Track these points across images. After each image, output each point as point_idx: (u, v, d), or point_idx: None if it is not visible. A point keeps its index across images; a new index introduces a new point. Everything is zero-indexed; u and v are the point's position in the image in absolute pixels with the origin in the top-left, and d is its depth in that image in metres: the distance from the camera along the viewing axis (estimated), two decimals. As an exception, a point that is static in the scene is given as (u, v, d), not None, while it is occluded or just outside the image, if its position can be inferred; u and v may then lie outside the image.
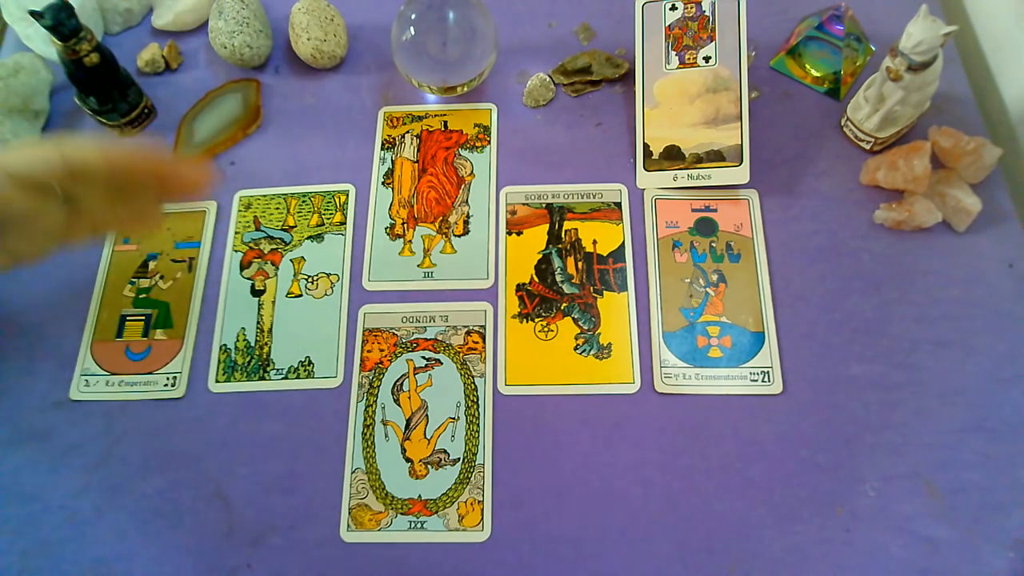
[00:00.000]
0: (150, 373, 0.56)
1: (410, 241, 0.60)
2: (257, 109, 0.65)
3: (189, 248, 0.60)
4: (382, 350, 0.56)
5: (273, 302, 0.58)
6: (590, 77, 0.65)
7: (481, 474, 0.52)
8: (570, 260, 0.58)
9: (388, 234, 0.60)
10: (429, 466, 0.52)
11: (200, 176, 0.46)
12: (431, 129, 0.64)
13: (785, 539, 0.49)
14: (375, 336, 0.56)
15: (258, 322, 0.57)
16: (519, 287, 0.58)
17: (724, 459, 0.51)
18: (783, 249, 0.58)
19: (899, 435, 0.51)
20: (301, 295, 0.58)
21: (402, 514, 0.51)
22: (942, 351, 0.54)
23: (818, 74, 0.64)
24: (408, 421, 0.54)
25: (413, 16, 0.60)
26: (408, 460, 0.53)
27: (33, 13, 0.54)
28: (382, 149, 0.64)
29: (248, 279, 0.59)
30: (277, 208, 0.62)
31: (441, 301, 0.57)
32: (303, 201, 0.62)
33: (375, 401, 0.54)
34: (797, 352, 0.54)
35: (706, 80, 0.59)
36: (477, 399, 0.54)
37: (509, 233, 0.60)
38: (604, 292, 0.57)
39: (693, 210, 0.59)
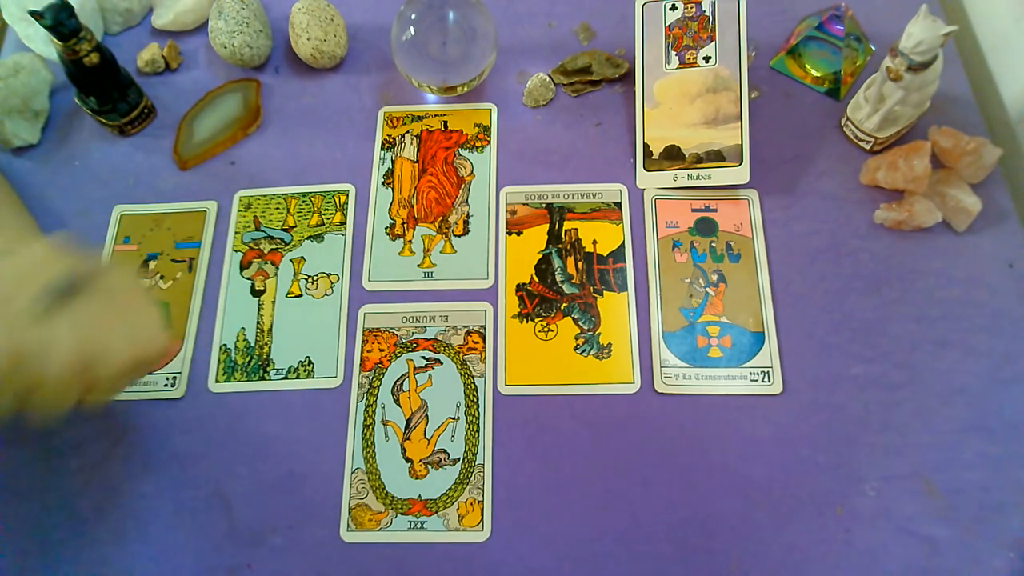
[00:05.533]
0: (150, 373, 0.56)
1: (410, 241, 0.60)
2: (257, 109, 0.65)
3: (189, 248, 0.60)
4: (382, 350, 0.56)
5: (273, 302, 0.58)
6: (590, 77, 0.65)
7: (481, 474, 0.52)
8: (570, 260, 0.58)
9: (388, 234, 0.60)
10: (429, 466, 0.52)
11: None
12: (431, 129, 0.64)
13: (785, 539, 0.49)
14: (375, 336, 0.56)
15: (258, 322, 0.57)
16: (519, 287, 0.58)
17: (724, 459, 0.51)
18: (783, 249, 0.58)
19: (899, 435, 0.51)
20: (301, 295, 0.58)
21: (402, 514, 0.51)
22: (942, 351, 0.54)
23: (818, 74, 0.64)
24: (408, 421, 0.54)
25: (413, 16, 0.60)
26: (408, 460, 0.53)
27: (33, 13, 0.54)
28: (382, 149, 0.64)
29: (248, 279, 0.59)
30: (277, 208, 0.62)
31: (441, 301, 0.57)
32: (303, 201, 0.62)
33: (375, 401, 0.54)
34: (797, 352, 0.54)
35: (706, 80, 0.59)
36: (477, 399, 0.54)
37: (509, 233, 0.60)
38: (604, 292, 0.57)
39: (693, 210, 0.59)
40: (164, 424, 0.54)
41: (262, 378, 0.55)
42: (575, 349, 0.55)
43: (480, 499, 0.51)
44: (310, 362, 0.56)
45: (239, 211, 0.62)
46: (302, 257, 0.60)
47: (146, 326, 0.43)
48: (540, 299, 0.57)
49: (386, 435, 0.53)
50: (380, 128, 0.65)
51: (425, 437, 0.53)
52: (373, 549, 0.50)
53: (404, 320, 0.57)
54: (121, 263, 0.45)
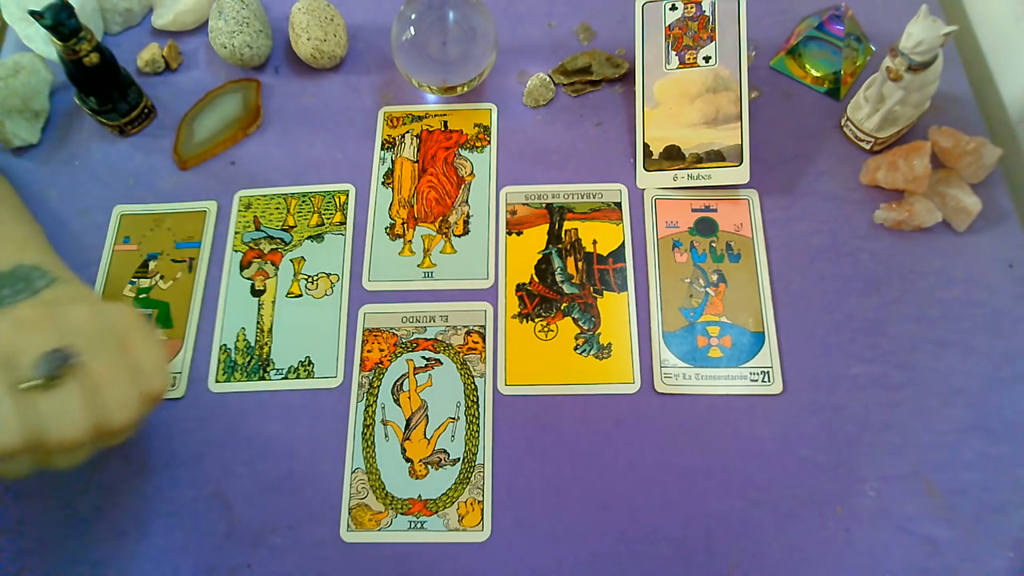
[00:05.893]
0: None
1: (410, 241, 0.60)
2: (257, 109, 0.65)
3: (189, 248, 0.60)
4: (382, 350, 0.56)
5: (273, 302, 0.58)
6: (590, 77, 0.65)
7: (481, 474, 0.52)
8: (570, 260, 0.58)
9: (388, 234, 0.60)
10: (429, 466, 0.52)
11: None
12: (431, 129, 0.64)
13: (785, 539, 0.49)
14: (375, 336, 0.56)
15: (258, 322, 0.57)
16: (519, 287, 0.58)
17: (724, 459, 0.51)
18: (783, 249, 0.58)
19: (899, 435, 0.51)
20: (301, 295, 0.58)
21: (402, 514, 0.51)
22: (942, 351, 0.54)
23: (818, 74, 0.64)
24: (408, 421, 0.54)
25: (413, 16, 0.60)
26: (408, 460, 0.53)
27: (33, 13, 0.54)
28: (382, 149, 0.64)
29: (248, 279, 0.59)
30: (277, 208, 0.62)
31: (441, 301, 0.57)
32: (303, 201, 0.62)
33: (375, 401, 0.54)
34: (797, 352, 0.54)
35: (706, 80, 0.59)
36: (477, 399, 0.54)
37: (509, 233, 0.60)
38: (604, 292, 0.57)
39: (693, 210, 0.59)
40: (164, 424, 0.54)
41: (262, 378, 0.55)
42: (575, 349, 0.55)
43: (480, 499, 0.51)
44: (310, 362, 0.56)
45: (239, 211, 0.62)
46: (302, 257, 0.60)
47: (151, 364, 0.42)
48: (540, 299, 0.57)
49: (386, 435, 0.53)
50: (380, 128, 0.65)
51: (425, 437, 0.53)
52: (373, 549, 0.50)
53: (404, 320, 0.57)
54: (118, 301, 0.43)
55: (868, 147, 0.60)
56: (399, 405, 0.54)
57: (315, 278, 0.59)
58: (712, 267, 0.57)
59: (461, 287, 0.58)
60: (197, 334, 0.57)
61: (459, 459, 0.52)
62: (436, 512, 0.51)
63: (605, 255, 0.58)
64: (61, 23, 0.54)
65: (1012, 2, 0.63)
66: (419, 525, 0.51)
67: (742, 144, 0.58)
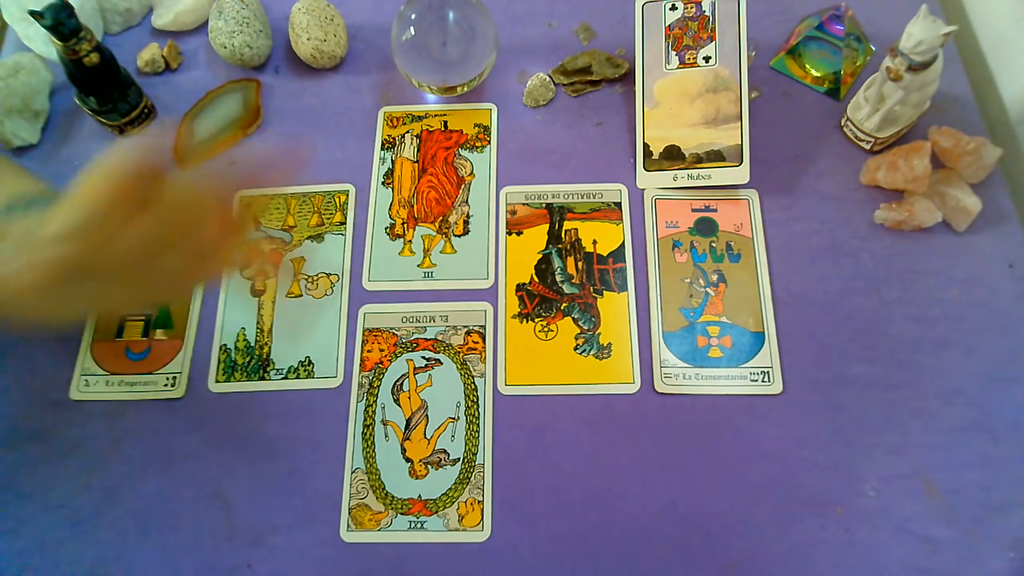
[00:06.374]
0: (150, 373, 0.56)
1: (410, 241, 0.60)
2: (257, 109, 0.65)
3: (189, 248, 0.60)
4: (382, 350, 0.56)
5: (273, 302, 0.58)
6: (590, 77, 0.65)
7: (481, 474, 0.52)
8: (570, 260, 0.58)
9: (388, 234, 0.60)
10: (429, 466, 0.52)
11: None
12: (431, 129, 0.64)
13: (785, 539, 0.49)
14: (375, 336, 0.56)
15: (258, 322, 0.57)
16: (519, 287, 0.58)
17: (724, 459, 0.51)
18: (783, 249, 0.58)
19: (899, 435, 0.51)
20: (301, 295, 0.58)
21: (402, 514, 0.51)
22: (942, 351, 0.54)
23: (818, 74, 0.64)
24: (408, 421, 0.54)
25: (413, 16, 0.60)
26: (408, 460, 0.53)
27: (33, 13, 0.54)
28: (382, 149, 0.64)
29: (248, 279, 0.59)
30: (277, 208, 0.62)
31: (441, 301, 0.57)
32: (303, 201, 0.62)
33: (375, 401, 0.54)
34: (797, 352, 0.54)
35: (706, 80, 0.59)
36: (477, 399, 0.54)
37: (509, 233, 0.60)
38: (604, 292, 0.57)
39: (693, 210, 0.59)
40: (164, 424, 0.54)
41: (262, 378, 0.55)
42: (575, 349, 0.55)
43: (480, 499, 0.51)
44: (310, 362, 0.56)
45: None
46: (302, 257, 0.60)
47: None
48: (540, 299, 0.57)
49: (386, 435, 0.53)
50: (380, 128, 0.65)
51: (425, 437, 0.53)
52: (373, 549, 0.50)
53: (404, 320, 0.57)
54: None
55: (868, 147, 0.60)
56: (399, 405, 0.54)
57: (315, 278, 0.59)
58: (712, 267, 0.57)
59: (461, 287, 0.58)
60: (197, 334, 0.57)
61: (459, 459, 0.52)
62: (436, 512, 0.51)
63: (605, 255, 0.58)
64: (61, 23, 0.54)
65: (1012, 2, 0.63)
66: (419, 525, 0.51)
67: (742, 144, 0.58)
